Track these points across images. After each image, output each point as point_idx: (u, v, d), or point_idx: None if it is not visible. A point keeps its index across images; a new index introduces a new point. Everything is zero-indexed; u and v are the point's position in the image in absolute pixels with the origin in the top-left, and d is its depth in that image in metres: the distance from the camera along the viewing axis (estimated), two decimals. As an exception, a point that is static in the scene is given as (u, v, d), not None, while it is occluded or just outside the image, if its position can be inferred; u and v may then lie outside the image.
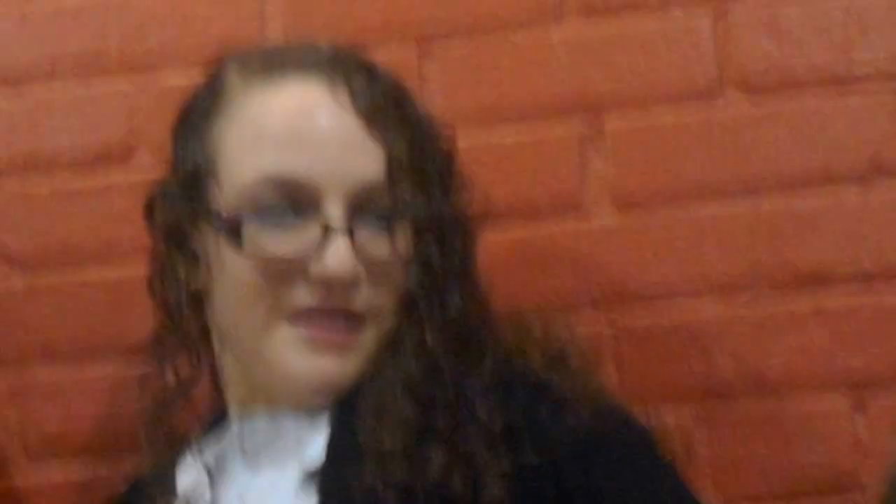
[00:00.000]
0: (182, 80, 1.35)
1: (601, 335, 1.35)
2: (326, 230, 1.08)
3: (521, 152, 1.40)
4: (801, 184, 1.36)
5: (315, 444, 1.09)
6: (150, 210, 1.19)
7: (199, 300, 1.15)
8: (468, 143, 1.23)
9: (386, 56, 1.27)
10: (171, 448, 1.17)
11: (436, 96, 1.39)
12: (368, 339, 1.11)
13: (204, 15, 1.47)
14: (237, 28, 1.45)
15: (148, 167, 1.41)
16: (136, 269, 1.34)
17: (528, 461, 1.03)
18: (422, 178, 1.12)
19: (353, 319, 1.10)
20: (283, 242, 1.09)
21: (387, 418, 1.05)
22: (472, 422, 1.04)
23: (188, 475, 1.16)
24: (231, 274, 1.11)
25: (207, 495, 1.13)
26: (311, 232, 1.08)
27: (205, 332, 1.18)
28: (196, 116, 1.17)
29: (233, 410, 1.18)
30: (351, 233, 1.08)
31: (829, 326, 1.34)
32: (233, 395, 1.18)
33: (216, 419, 1.22)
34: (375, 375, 1.10)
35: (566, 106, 1.40)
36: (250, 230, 1.09)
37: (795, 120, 1.37)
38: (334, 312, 1.10)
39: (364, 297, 1.10)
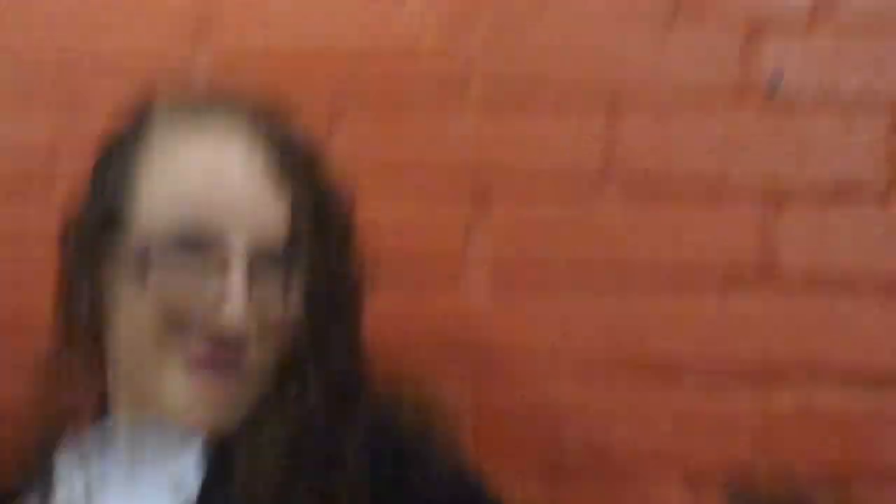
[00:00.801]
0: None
1: (465, 407, 1.43)
2: (227, 285, 1.13)
3: (413, 227, 1.48)
4: (666, 286, 1.45)
5: (187, 471, 1.15)
6: (63, 237, 1.24)
7: (97, 328, 1.20)
8: (366, 212, 1.29)
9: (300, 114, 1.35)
10: (50, 456, 1.21)
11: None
12: (250, 387, 1.16)
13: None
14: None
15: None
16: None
17: None
18: (322, 239, 1.18)
19: (237, 367, 1.15)
20: (185, 290, 1.14)
21: (261, 465, 1.11)
22: (342, 476, 1.10)
23: (67, 486, 1.20)
24: (131, 312, 1.16)
25: (75, 489, 1.19)
26: (213, 286, 1.14)
27: (98, 354, 1.22)
28: (116, 157, 1.22)
29: (117, 422, 1.22)
30: (249, 291, 1.14)
31: (675, 419, 1.43)
32: (119, 412, 1.22)
33: (96, 423, 1.25)
34: (255, 422, 1.15)
35: (458, 187, 1.49)
36: (154, 273, 1.14)
37: (668, 223, 1.46)
38: (223, 362, 1.15)
39: (253, 353, 1.16)
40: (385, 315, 1.37)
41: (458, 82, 1.52)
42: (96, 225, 1.20)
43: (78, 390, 1.23)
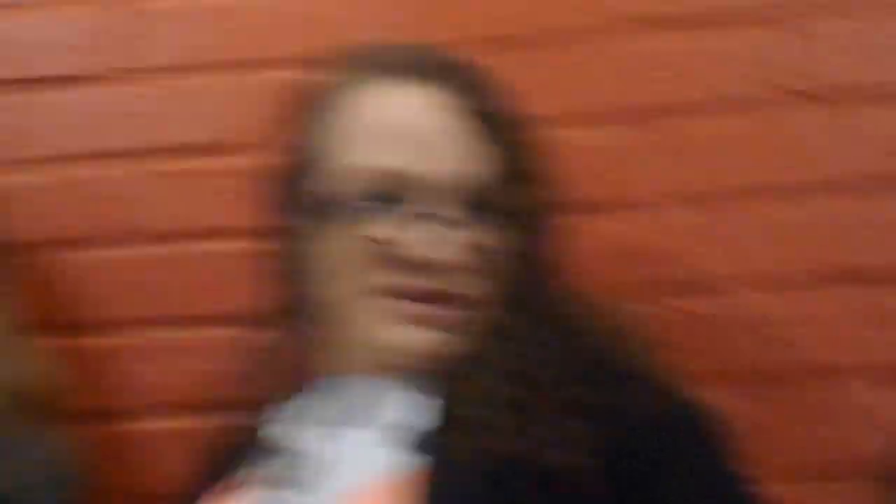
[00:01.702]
0: (286, 76, 1.46)
1: (667, 320, 1.45)
2: (427, 218, 1.15)
3: (600, 152, 1.51)
4: (865, 187, 1.47)
5: (401, 407, 1.16)
6: (260, 190, 1.27)
7: (300, 274, 1.23)
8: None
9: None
10: (262, 405, 1.25)
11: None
12: (462, 319, 1.17)
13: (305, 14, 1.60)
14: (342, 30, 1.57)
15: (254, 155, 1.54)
16: (237, 246, 1.51)
17: (618, 436, 1.09)
18: (520, 175, 1.19)
19: (448, 300, 1.17)
20: (388, 232, 1.16)
21: (493, 399, 1.11)
22: (570, 400, 1.10)
23: (274, 428, 1.23)
24: (331, 253, 1.19)
25: (294, 447, 1.20)
26: (412, 219, 1.16)
27: (301, 302, 1.24)
28: (307, 107, 1.25)
29: (320, 372, 1.25)
30: (450, 222, 1.16)
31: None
32: (321, 358, 1.25)
33: (303, 380, 1.28)
34: (479, 356, 1.15)
35: (645, 110, 1.51)
36: (357, 218, 1.17)
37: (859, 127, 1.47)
38: (434, 293, 1.16)
39: (461, 284, 1.17)
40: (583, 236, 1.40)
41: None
42: (292, 173, 1.24)
43: (289, 343, 1.26)
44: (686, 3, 1.52)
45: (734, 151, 1.49)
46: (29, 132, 1.63)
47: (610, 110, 1.52)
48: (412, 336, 1.17)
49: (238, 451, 1.28)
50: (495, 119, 1.20)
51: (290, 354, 1.27)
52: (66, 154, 1.62)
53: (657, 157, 1.50)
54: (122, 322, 1.59)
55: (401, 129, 1.19)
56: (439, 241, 1.16)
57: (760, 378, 1.46)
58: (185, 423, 1.55)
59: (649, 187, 1.50)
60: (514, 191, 1.18)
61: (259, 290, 1.29)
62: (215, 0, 1.62)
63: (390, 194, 1.17)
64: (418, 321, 1.17)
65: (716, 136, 1.49)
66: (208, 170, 1.60)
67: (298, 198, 1.23)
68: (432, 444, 1.12)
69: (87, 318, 1.59)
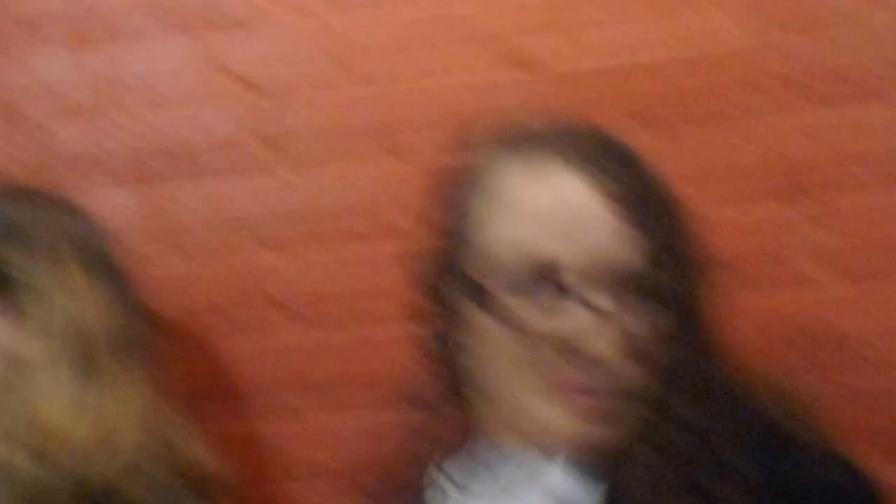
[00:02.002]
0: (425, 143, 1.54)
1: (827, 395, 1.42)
2: (595, 312, 1.15)
3: (753, 228, 1.52)
4: None
5: (562, 487, 1.17)
6: (417, 272, 1.29)
7: (456, 357, 1.25)
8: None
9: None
10: (422, 482, 1.27)
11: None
12: (625, 410, 1.17)
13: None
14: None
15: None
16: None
17: None
18: (676, 260, 1.19)
19: (605, 392, 1.17)
20: (541, 321, 1.17)
21: (663, 488, 1.12)
22: (735, 477, 1.12)
23: (435, 493, 1.25)
24: (487, 341, 1.19)
25: None
26: (576, 312, 1.16)
27: (461, 374, 1.26)
28: (458, 188, 1.25)
29: (480, 441, 1.26)
30: (604, 311, 1.15)
31: None
32: (483, 428, 1.25)
33: (463, 445, 1.29)
34: (644, 441, 1.16)
35: (794, 185, 1.52)
36: (508, 304, 1.17)
37: None
38: (598, 386, 1.16)
39: (617, 375, 1.17)
40: (739, 312, 1.40)
41: (757, 83, 1.56)
42: (445, 254, 1.25)
43: (443, 414, 1.28)
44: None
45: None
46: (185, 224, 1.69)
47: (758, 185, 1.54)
48: (571, 424, 1.17)
49: None
50: (648, 202, 1.20)
51: (447, 432, 1.29)
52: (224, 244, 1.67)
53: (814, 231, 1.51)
54: (282, 407, 1.62)
55: (554, 213, 1.18)
56: (594, 332, 1.16)
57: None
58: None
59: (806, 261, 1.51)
60: (668, 275, 1.18)
61: (418, 372, 1.30)
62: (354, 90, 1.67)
63: (544, 280, 1.17)
64: (576, 412, 1.17)
65: (868, 207, 1.50)
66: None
67: (453, 280, 1.24)
68: None
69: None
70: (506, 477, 1.22)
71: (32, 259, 1.39)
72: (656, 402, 1.18)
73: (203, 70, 1.71)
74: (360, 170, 1.65)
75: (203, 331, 1.66)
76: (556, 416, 1.17)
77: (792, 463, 1.14)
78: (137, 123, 1.71)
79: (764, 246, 1.52)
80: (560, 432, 1.18)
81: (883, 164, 1.50)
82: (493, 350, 1.20)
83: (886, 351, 1.47)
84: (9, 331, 1.38)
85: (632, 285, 1.17)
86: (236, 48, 1.70)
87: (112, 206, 1.70)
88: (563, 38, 1.62)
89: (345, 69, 1.67)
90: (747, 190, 1.54)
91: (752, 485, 1.11)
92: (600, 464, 1.17)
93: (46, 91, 1.74)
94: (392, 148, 1.65)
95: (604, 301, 1.15)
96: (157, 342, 1.48)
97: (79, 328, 1.37)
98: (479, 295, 1.20)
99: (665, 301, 1.17)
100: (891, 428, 1.45)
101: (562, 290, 1.17)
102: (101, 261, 1.46)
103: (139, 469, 1.32)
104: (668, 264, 1.18)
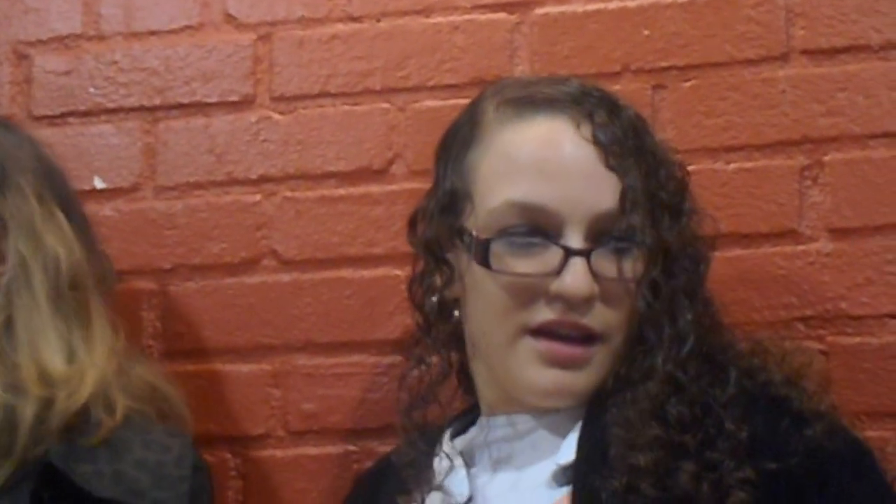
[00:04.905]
0: (436, 102, 1.53)
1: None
2: (567, 253, 1.18)
3: (744, 180, 1.50)
4: None
5: (560, 447, 1.19)
6: (412, 224, 1.31)
7: (451, 307, 1.27)
8: (695, 170, 1.34)
9: (622, 88, 1.42)
10: (422, 437, 1.28)
11: (667, 126, 1.51)
12: (601, 354, 1.20)
13: (459, 45, 1.61)
14: (489, 58, 1.59)
15: (402, 179, 1.58)
16: (388, 271, 1.53)
17: (769, 469, 1.09)
18: (655, 206, 1.20)
19: (587, 336, 1.19)
20: (526, 263, 1.19)
21: (636, 436, 1.12)
22: (718, 433, 1.11)
23: (443, 462, 1.26)
24: (480, 289, 1.22)
25: (465, 485, 1.23)
26: (553, 254, 1.18)
27: (456, 336, 1.28)
28: (456, 144, 1.28)
29: (481, 409, 1.29)
30: (589, 255, 1.18)
31: None
32: (481, 395, 1.28)
33: (463, 415, 1.33)
34: (620, 392, 1.17)
35: (788, 139, 1.50)
36: (497, 251, 1.20)
37: None
38: (571, 328, 1.19)
39: (598, 316, 1.19)
40: (724, 264, 1.42)
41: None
42: (442, 209, 1.26)
43: (439, 371, 1.29)
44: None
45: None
46: (162, 158, 1.67)
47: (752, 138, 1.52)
48: (558, 377, 1.19)
49: (389, 480, 1.31)
50: (626, 146, 1.21)
51: (440, 387, 1.29)
52: (201, 181, 1.66)
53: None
54: (256, 347, 1.60)
55: (550, 164, 1.21)
56: (582, 274, 1.18)
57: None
58: (330, 449, 1.57)
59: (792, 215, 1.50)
60: (641, 218, 1.19)
61: (413, 321, 1.32)
62: (358, 27, 1.64)
63: (533, 229, 1.20)
64: (564, 361, 1.19)
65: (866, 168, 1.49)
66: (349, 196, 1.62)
67: (447, 232, 1.26)
68: (586, 481, 1.14)
69: (219, 343, 1.61)
70: (500, 443, 1.25)
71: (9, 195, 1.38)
72: (625, 348, 1.20)
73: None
74: (345, 110, 1.63)
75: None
76: (538, 372, 1.19)
77: (783, 423, 1.13)
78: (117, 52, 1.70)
79: (757, 197, 1.50)
80: (543, 389, 1.20)
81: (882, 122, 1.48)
82: (484, 300, 1.22)
83: (868, 307, 1.45)
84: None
85: (606, 227, 1.19)
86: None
87: (91, 135, 1.68)
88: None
89: (330, 4, 1.65)
90: (753, 143, 1.52)
91: (736, 440, 1.11)
92: (589, 414, 1.19)
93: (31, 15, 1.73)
94: (372, 87, 1.63)
95: (578, 241, 1.18)
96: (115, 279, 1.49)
97: (58, 264, 1.37)
98: (475, 248, 1.21)
99: (640, 245, 1.19)
100: (872, 382, 1.43)
101: (540, 231, 1.20)
102: (67, 196, 1.45)
103: (104, 394, 1.33)
104: (645, 210, 1.20)
